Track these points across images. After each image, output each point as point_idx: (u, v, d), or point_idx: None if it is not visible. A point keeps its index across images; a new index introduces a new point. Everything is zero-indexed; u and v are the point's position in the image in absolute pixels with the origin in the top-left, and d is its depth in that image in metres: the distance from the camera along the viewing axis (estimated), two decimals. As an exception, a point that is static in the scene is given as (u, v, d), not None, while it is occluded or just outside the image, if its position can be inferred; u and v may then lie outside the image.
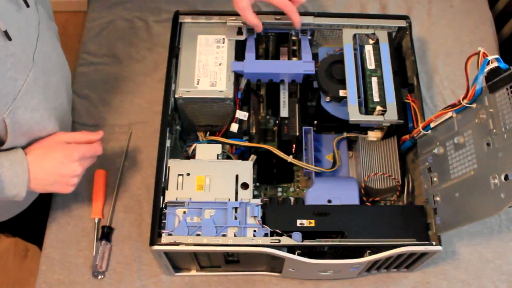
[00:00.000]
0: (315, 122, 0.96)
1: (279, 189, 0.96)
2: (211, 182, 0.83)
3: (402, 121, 0.85)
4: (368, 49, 0.90)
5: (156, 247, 0.77)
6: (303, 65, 0.91)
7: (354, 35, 0.91)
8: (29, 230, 1.04)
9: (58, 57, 0.84)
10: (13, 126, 0.72)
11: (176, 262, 0.88)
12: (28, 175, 0.75)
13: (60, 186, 0.81)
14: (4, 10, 0.65)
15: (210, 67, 0.91)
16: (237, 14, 0.95)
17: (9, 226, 0.99)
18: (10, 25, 0.65)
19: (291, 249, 0.79)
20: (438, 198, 0.79)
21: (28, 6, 0.70)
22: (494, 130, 0.70)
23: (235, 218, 0.79)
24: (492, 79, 0.70)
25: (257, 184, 0.94)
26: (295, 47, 0.96)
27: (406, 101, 0.91)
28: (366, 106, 0.86)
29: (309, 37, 0.96)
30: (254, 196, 0.83)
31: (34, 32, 0.74)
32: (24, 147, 0.77)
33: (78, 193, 0.99)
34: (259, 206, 0.80)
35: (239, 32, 0.95)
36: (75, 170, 0.80)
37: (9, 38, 0.64)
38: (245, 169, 0.84)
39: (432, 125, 0.82)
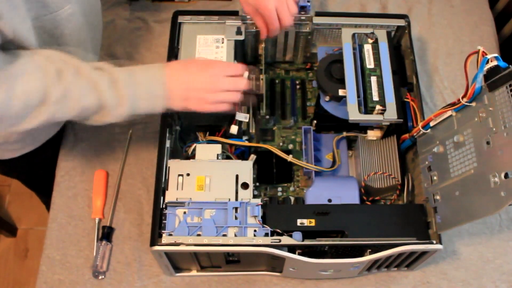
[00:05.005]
0: (315, 121, 0.97)
1: (279, 189, 0.96)
2: (211, 182, 0.83)
3: (402, 120, 0.85)
4: (367, 48, 0.91)
5: (156, 248, 0.77)
6: None
7: (353, 35, 0.91)
8: (37, 174, 1.05)
9: None
10: None
11: (176, 262, 0.88)
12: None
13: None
14: None
15: (209, 67, 0.91)
16: (236, 14, 0.96)
17: (22, 164, 1.00)
18: None
19: (291, 248, 0.79)
20: (438, 197, 0.79)
21: None
22: (494, 129, 0.70)
23: (236, 218, 0.79)
24: (492, 78, 0.70)
25: (257, 184, 0.94)
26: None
27: (406, 100, 0.91)
28: (366, 105, 0.86)
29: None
30: (254, 196, 0.83)
31: None
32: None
33: (79, 193, 0.99)
34: (259, 206, 0.80)
35: (238, 32, 0.95)
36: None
37: None
38: (245, 169, 0.84)
39: (431, 124, 0.82)
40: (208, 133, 0.94)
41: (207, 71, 0.83)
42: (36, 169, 1.03)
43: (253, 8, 0.89)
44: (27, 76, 0.70)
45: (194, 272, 0.92)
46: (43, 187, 1.01)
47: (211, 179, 0.83)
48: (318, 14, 0.97)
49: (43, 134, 0.99)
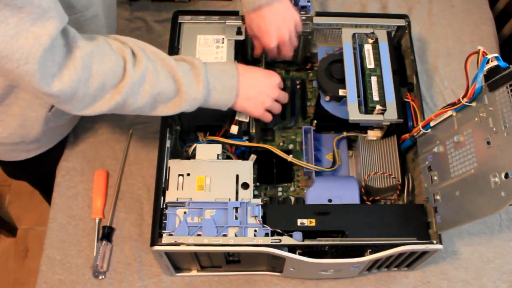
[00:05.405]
0: (315, 121, 0.97)
1: (280, 189, 0.96)
2: (212, 182, 0.83)
3: (402, 120, 0.85)
4: (368, 48, 0.91)
5: (157, 248, 0.77)
6: None
7: (354, 34, 0.91)
8: (45, 174, 1.06)
9: None
10: None
11: (176, 262, 0.88)
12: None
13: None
14: None
15: (210, 67, 0.91)
16: (236, 14, 0.96)
17: (35, 164, 1.01)
18: None
19: (291, 248, 0.79)
20: (438, 197, 0.79)
21: None
22: (494, 129, 0.70)
23: (236, 218, 0.79)
24: (492, 78, 0.70)
25: (257, 184, 0.94)
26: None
27: (406, 100, 0.91)
28: (366, 105, 0.86)
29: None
30: (255, 196, 0.83)
31: None
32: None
33: (79, 193, 0.99)
34: (260, 206, 0.80)
35: (239, 32, 0.95)
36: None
37: None
38: (245, 169, 0.84)
39: (432, 124, 0.82)
40: (208, 133, 0.94)
41: (271, 78, 0.88)
42: (45, 169, 1.03)
43: (255, 34, 0.91)
44: (104, 57, 0.70)
45: (194, 272, 0.92)
46: (49, 187, 1.01)
47: (211, 179, 0.83)
48: (319, 14, 0.97)
49: (58, 134, 0.99)
